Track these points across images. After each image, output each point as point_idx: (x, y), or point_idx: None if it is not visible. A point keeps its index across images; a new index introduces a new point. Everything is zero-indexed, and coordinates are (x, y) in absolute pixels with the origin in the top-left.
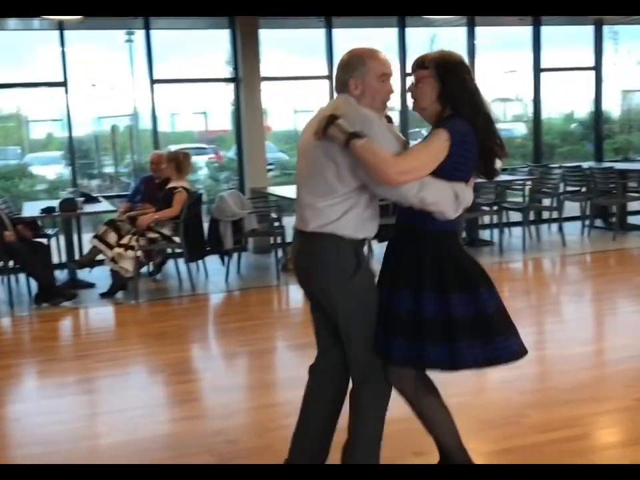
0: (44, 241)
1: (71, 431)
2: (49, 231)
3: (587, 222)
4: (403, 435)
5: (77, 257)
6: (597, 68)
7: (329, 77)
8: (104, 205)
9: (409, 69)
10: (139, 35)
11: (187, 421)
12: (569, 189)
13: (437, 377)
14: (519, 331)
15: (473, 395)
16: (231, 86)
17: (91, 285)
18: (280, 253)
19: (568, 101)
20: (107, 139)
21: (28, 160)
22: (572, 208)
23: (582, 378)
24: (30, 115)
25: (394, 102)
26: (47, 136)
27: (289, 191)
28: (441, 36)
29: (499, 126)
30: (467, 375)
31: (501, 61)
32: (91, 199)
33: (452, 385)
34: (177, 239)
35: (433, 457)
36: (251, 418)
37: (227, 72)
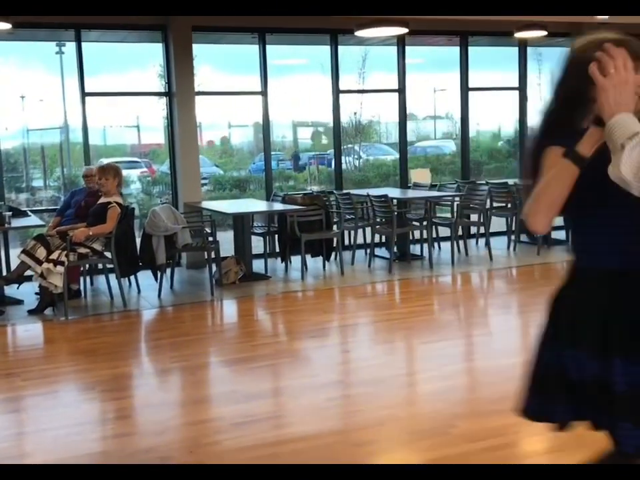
0: None
1: None
2: None
3: (513, 237)
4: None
5: (4, 272)
6: (522, 88)
7: (263, 93)
8: (33, 220)
9: (342, 86)
10: (70, 47)
11: (118, 438)
12: (496, 204)
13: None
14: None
15: (402, 407)
16: (164, 100)
17: (19, 302)
18: (214, 268)
19: (495, 119)
20: (37, 152)
21: None
22: (498, 223)
23: (509, 388)
24: None
25: (327, 117)
26: None
27: (223, 206)
28: (372, 54)
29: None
30: (395, 387)
31: (432, 80)
32: (19, 213)
33: (381, 397)
34: (108, 254)
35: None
36: (183, 434)
37: (160, 86)
